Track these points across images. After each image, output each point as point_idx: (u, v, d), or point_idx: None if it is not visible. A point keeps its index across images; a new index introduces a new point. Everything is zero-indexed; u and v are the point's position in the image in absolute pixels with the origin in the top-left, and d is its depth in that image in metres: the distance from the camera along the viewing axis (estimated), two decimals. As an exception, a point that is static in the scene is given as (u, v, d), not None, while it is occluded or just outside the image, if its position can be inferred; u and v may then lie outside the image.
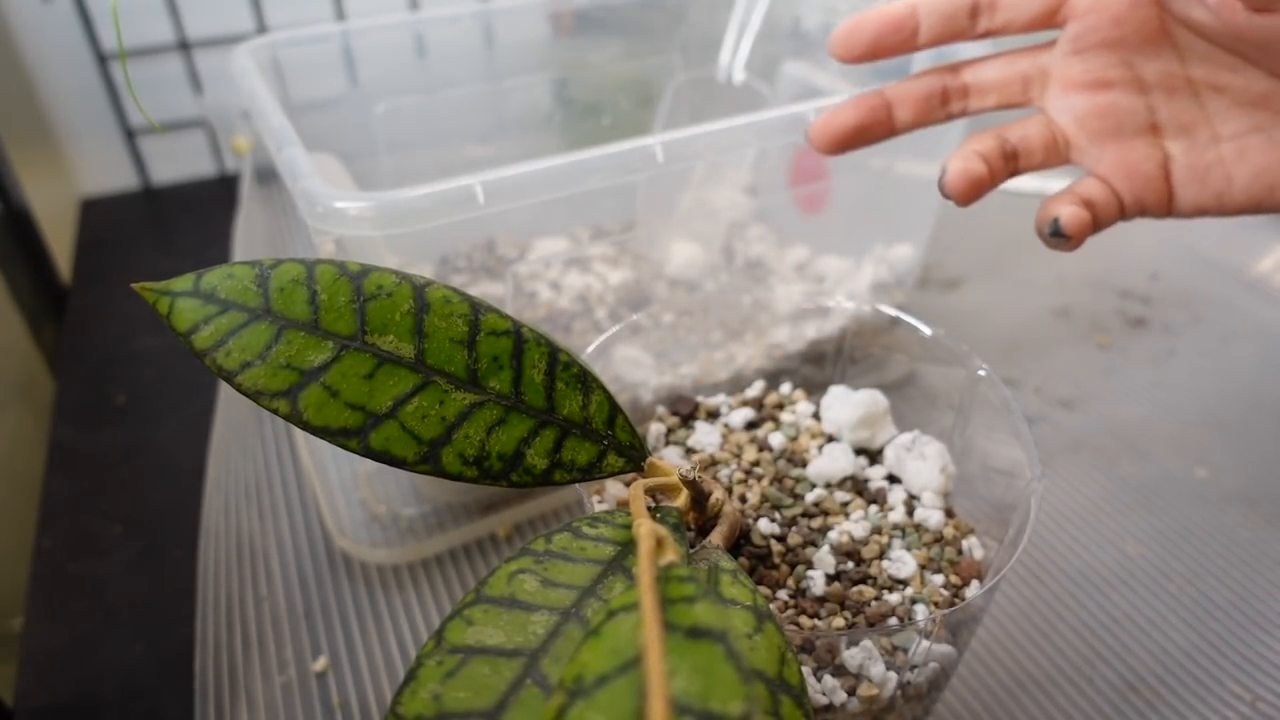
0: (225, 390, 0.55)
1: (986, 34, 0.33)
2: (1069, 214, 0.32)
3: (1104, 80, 0.32)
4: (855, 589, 0.31)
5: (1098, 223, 0.32)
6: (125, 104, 0.78)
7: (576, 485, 0.29)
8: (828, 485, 0.35)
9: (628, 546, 0.26)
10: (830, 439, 0.37)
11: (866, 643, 0.29)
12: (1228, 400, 0.55)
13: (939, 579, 0.32)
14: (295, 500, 0.49)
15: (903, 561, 0.32)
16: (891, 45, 0.33)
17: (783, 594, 0.31)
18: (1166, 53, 0.32)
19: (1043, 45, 0.34)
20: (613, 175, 0.38)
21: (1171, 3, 0.31)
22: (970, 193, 0.33)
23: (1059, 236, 0.32)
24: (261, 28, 0.78)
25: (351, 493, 0.48)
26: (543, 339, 0.28)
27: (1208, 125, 0.32)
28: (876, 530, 0.34)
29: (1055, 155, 0.34)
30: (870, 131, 0.34)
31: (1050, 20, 0.33)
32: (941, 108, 0.35)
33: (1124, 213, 0.33)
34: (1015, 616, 0.42)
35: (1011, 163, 0.33)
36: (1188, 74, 0.32)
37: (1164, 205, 0.33)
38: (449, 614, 0.23)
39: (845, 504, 0.35)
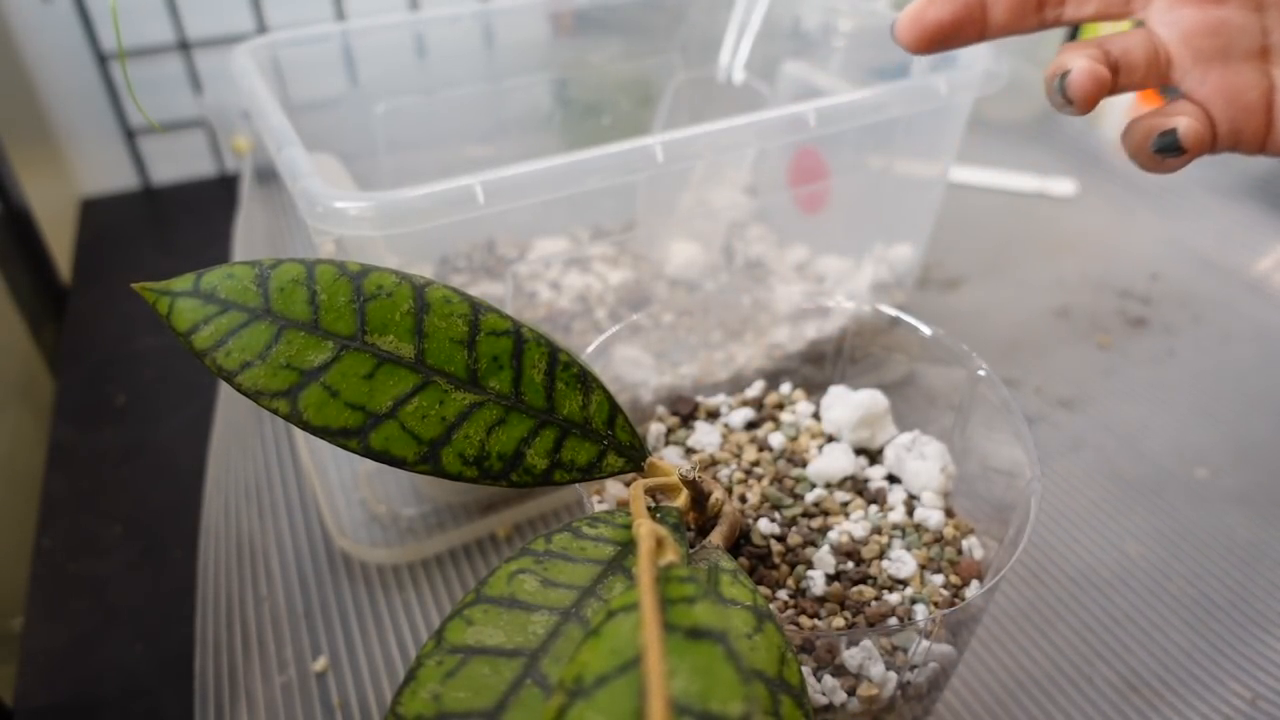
0: (225, 390, 0.55)
1: None
2: (1188, 125, 0.29)
3: None
4: (855, 589, 0.31)
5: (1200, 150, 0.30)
6: (125, 104, 0.78)
7: (576, 485, 0.29)
8: (828, 485, 0.35)
9: (628, 546, 0.26)
10: (830, 439, 0.37)
11: (866, 643, 0.29)
12: (1228, 400, 0.55)
13: (939, 579, 0.32)
14: (295, 500, 0.49)
15: (903, 561, 0.32)
16: None
17: (783, 594, 0.31)
18: None
19: None
20: (613, 175, 0.38)
21: None
22: (1096, 95, 0.30)
23: (1171, 151, 0.29)
24: (261, 28, 0.78)
25: (351, 493, 0.48)
26: (543, 339, 0.28)
27: None
28: (876, 530, 0.34)
29: (1155, 74, 0.31)
30: (963, 30, 0.32)
31: None
32: (1036, 13, 0.32)
33: (1215, 145, 0.31)
34: (1015, 616, 0.42)
35: (1114, 77, 0.31)
36: None
37: (1259, 139, 0.31)
38: (449, 614, 0.23)
39: (845, 504, 0.35)
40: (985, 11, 0.32)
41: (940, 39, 0.32)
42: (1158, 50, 0.31)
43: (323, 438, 0.25)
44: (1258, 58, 0.30)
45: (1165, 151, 0.30)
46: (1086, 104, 0.30)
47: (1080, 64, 0.30)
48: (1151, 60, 0.31)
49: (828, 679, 0.28)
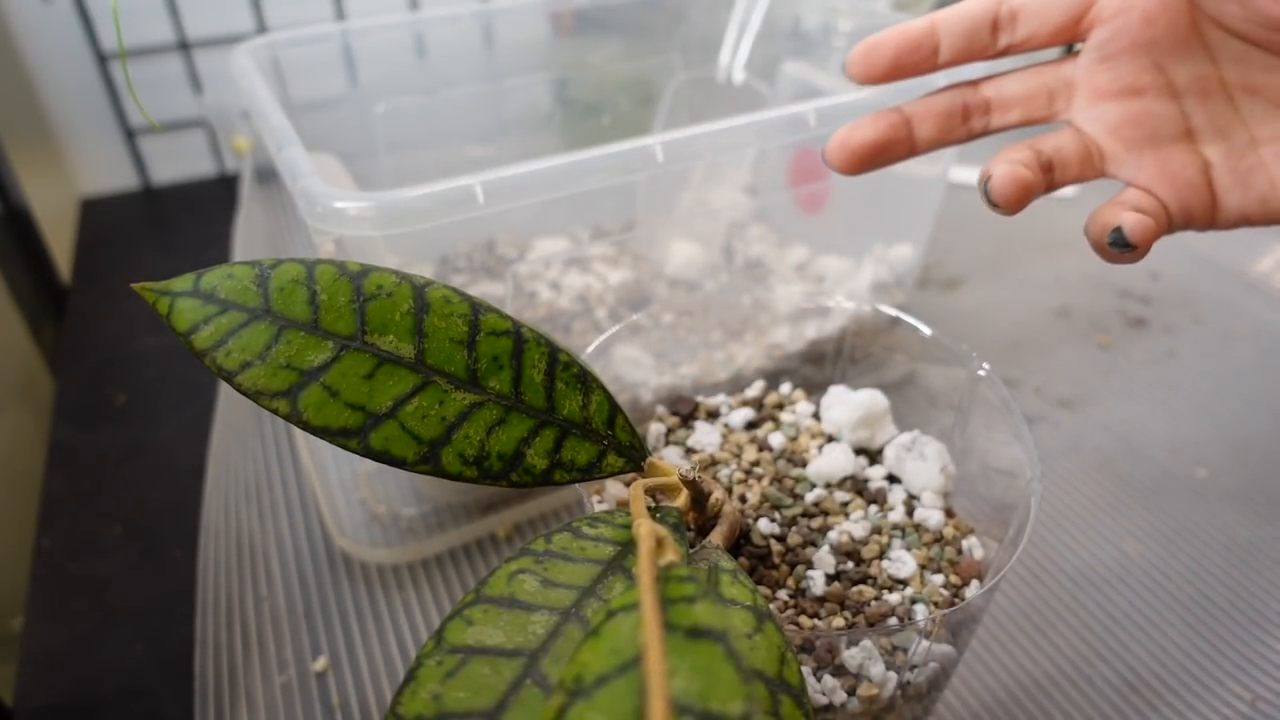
0: (225, 390, 0.55)
1: (1008, 50, 0.32)
2: (1132, 220, 0.30)
3: (1134, 87, 0.31)
4: (855, 589, 0.31)
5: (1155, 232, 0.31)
6: (125, 104, 0.78)
7: (576, 485, 0.29)
8: (828, 485, 0.35)
9: (628, 546, 0.26)
10: (830, 439, 0.37)
11: (866, 643, 0.29)
12: (1227, 400, 0.55)
13: (939, 579, 0.32)
14: (295, 500, 0.49)
15: (903, 561, 0.32)
16: (911, 65, 0.32)
17: (783, 594, 0.31)
18: (1198, 55, 0.31)
19: (1065, 58, 0.33)
20: (613, 175, 0.38)
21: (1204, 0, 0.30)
22: (1020, 198, 0.31)
23: (1122, 247, 0.30)
24: (261, 28, 0.78)
25: (351, 493, 0.48)
26: (543, 339, 0.28)
27: (1244, 128, 0.31)
28: (876, 530, 0.34)
29: (1090, 168, 0.32)
30: (890, 150, 0.33)
31: (1074, 30, 0.31)
32: (962, 125, 0.33)
33: (1171, 224, 0.31)
34: (1015, 616, 0.42)
35: (1049, 174, 0.32)
36: (1220, 76, 0.31)
37: (1209, 214, 0.31)
38: (449, 614, 0.23)
39: (845, 504, 0.35)
40: (910, 130, 0.33)
41: (870, 160, 0.33)
42: (1088, 146, 0.32)
43: (323, 438, 0.25)
44: (1185, 139, 0.31)
45: (1118, 247, 0.30)
46: (1012, 205, 0.31)
47: (1001, 170, 0.31)
48: (1084, 155, 0.32)
49: (828, 679, 0.28)
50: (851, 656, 0.29)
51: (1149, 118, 0.31)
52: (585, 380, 0.28)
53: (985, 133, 0.34)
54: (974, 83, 0.33)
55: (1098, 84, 0.32)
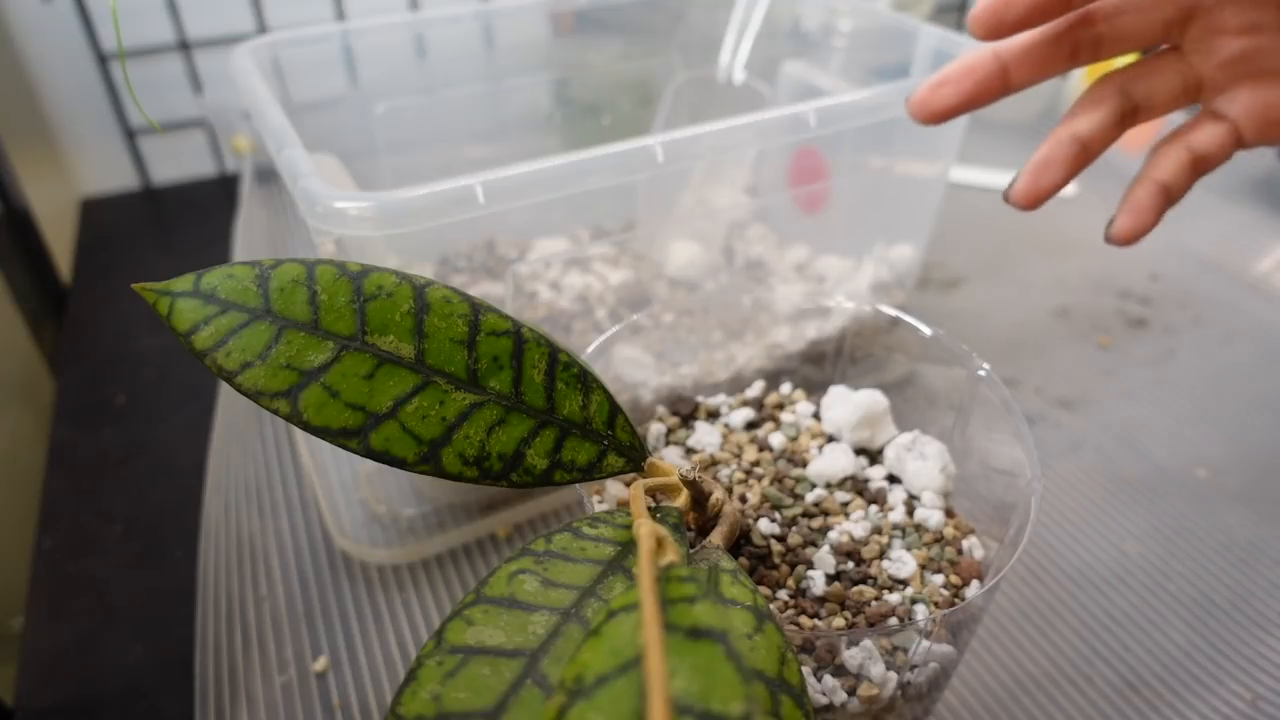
0: (225, 390, 0.55)
1: None
2: (1121, 227, 0.33)
3: (1256, 25, 0.31)
4: (855, 589, 0.31)
5: (1207, 166, 0.33)
6: (125, 104, 0.78)
7: (576, 485, 0.29)
8: (828, 485, 0.35)
9: (628, 546, 0.26)
10: (830, 439, 0.37)
11: (866, 643, 0.29)
12: (1227, 400, 0.55)
13: (939, 579, 0.32)
14: (295, 500, 0.49)
15: (903, 561, 0.32)
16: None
17: (783, 594, 0.31)
18: None
19: None
20: (613, 175, 0.38)
21: None
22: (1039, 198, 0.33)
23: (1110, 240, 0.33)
24: (261, 28, 0.78)
25: (351, 493, 0.48)
26: (543, 339, 0.28)
27: None
28: (876, 530, 0.34)
29: (1182, 100, 0.33)
30: (979, 100, 0.33)
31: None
32: (1067, 60, 0.33)
33: (1241, 146, 0.33)
34: (1015, 616, 0.42)
35: (1130, 119, 0.33)
36: None
37: None
38: (449, 614, 0.23)
39: (845, 504, 0.35)
40: (1006, 79, 0.33)
41: (957, 113, 0.33)
42: (1187, 78, 0.33)
43: (323, 438, 0.25)
44: None
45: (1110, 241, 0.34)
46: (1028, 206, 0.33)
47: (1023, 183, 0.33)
48: (1178, 92, 0.33)
49: (828, 679, 0.28)
50: (852, 656, 0.29)
51: (1259, 53, 0.32)
52: (585, 380, 0.28)
53: (1091, 63, 0.34)
54: (1086, 14, 0.33)
55: (1220, 21, 0.32)
